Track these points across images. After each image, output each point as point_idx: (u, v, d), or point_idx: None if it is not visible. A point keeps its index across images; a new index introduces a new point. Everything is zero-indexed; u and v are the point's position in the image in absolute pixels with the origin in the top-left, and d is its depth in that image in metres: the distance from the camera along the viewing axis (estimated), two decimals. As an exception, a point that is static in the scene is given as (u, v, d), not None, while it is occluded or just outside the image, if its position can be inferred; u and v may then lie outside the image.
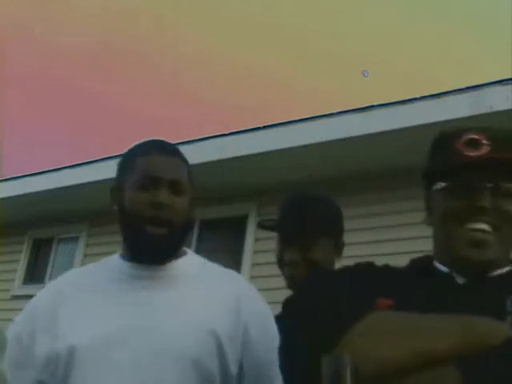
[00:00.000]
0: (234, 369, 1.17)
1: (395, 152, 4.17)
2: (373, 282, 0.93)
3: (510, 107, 3.72)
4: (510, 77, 3.88)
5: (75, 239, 6.60)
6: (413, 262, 1.04)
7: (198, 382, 1.13)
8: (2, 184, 6.48)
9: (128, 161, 1.29)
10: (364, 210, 4.33)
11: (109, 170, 6.10)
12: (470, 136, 0.97)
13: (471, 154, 0.95)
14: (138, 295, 1.20)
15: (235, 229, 5.43)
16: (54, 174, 6.13)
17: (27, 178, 6.39)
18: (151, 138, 1.34)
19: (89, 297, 1.22)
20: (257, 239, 5.13)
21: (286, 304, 0.94)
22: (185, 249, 1.34)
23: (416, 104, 4.12)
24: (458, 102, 3.93)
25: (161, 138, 1.35)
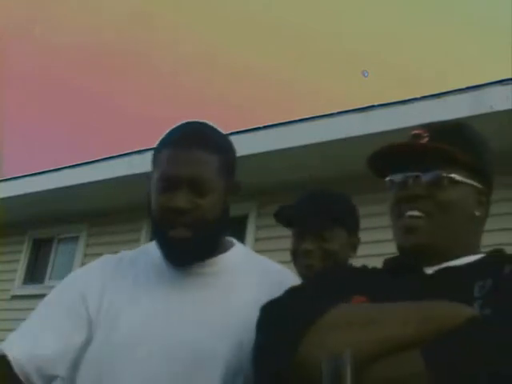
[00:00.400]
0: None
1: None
2: (348, 282, 0.96)
3: (510, 107, 3.72)
4: (510, 77, 3.88)
5: (75, 239, 6.59)
6: (386, 261, 1.07)
7: (204, 373, 1.07)
8: (2, 184, 6.49)
9: (156, 151, 1.19)
10: (364, 210, 4.32)
11: (109, 170, 6.10)
12: (414, 132, 1.02)
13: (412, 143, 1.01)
14: (172, 294, 1.15)
15: (235, 229, 5.43)
16: (54, 174, 6.13)
17: (27, 178, 6.39)
18: (186, 122, 1.22)
19: (132, 288, 1.17)
20: (257, 239, 5.13)
21: (267, 304, 0.96)
22: (232, 240, 1.28)
23: (416, 104, 4.12)
24: (458, 101, 3.93)
25: (196, 121, 1.23)
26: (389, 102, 4.29)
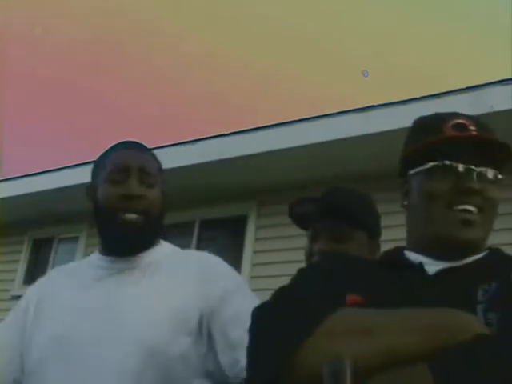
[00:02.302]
0: (204, 347, 1.17)
1: (395, 152, 4.15)
2: (343, 278, 0.92)
3: (510, 107, 3.72)
4: (510, 77, 3.88)
5: (75, 239, 6.59)
6: (384, 254, 1.04)
7: (156, 370, 1.12)
8: (2, 184, 6.48)
9: (99, 160, 1.33)
10: (364, 210, 4.33)
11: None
12: (457, 120, 0.98)
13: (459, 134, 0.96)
14: (105, 287, 1.22)
15: (235, 229, 5.43)
16: (54, 174, 6.13)
17: (27, 178, 6.39)
18: (124, 140, 1.38)
19: (64, 287, 1.27)
20: (257, 239, 5.12)
21: (258, 308, 0.92)
22: (160, 240, 1.35)
23: (416, 104, 4.12)
24: (458, 101, 3.92)
25: (133, 140, 1.39)
26: (389, 101, 4.28)
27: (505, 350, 0.71)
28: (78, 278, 1.28)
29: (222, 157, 4.86)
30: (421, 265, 0.94)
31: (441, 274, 0.91)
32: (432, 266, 0.93)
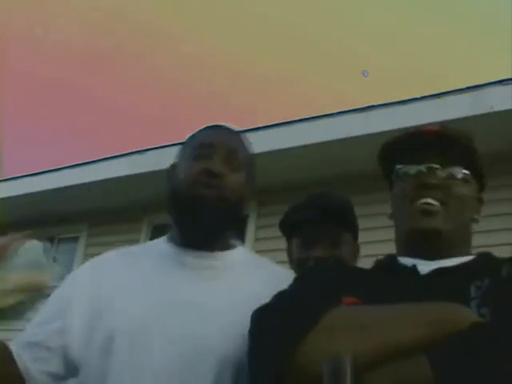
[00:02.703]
0: None
1: (395, 152, 4.16)
2: (338, 282, 0.95)
3: (510, 107, 3.72)
4: (510, 77, 3.88)
5: (75, 239, 6.59)
6: (377, 262, 1.06)
7: (220, 376, 1.05)
8: (2, 184, 6.48)
9: (187, 141, 1.24)
10: (364, 210, 4.33)
11: (109, 170, 6.09)
12: (424, 128, 1.06)
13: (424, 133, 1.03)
14: (181, 284, 1.13)
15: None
16: (54, 174, 6.13)
17: (27, 178, 6.39)
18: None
19: (133, 278, 1.15)
20: (257, 239, 5.12)
21: (258, 310, 0.94)
22: (235, 243, 1.27)
23: (416, 104, 4.12)
24: (458, 101, 3.93)
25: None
26: (389, 101, 4.28)
27: (500, 336, 0.73)
28: (145, 267, 1.17)
29: (222, 157, 4.86)
30: (414, 266, 0.96)
31: (433, 273, 0.94)
32: (425, 267, 0.96)
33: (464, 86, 4.01)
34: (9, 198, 6.28)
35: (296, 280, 1.03)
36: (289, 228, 1.59)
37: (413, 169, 1.02)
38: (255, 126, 4.90)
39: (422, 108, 4.05)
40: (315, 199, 1.57)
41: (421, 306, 0.80)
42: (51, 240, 6.87)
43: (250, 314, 1.02)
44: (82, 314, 1.12)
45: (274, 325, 0.86)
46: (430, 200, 0.98)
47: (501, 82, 3.87)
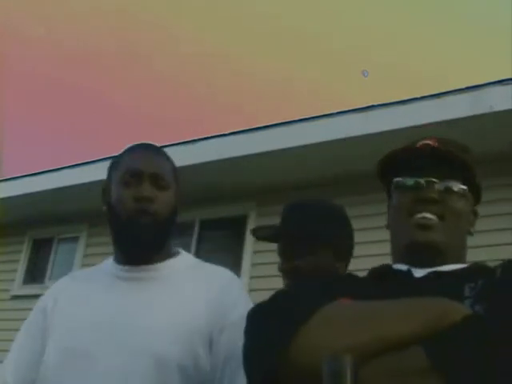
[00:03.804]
0: (205, 362, 1.18)
1: (395, 152, 4.16)
2: (333, 286, 0.96)
3: (510, 107, 3.72)
4: (510, 77, 3.88)
5: (75, 239, 6.60)
6: (372, 269, 1.07)
7: (163, 379, 1.14)
8: (2, 184, 6.48)
9: (115, 161, 1.36)
10: (364, 210, 4.34)
11: (109, 170, 5.93)
12: (424, 141, 1.07)
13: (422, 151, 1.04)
14: (120, 297, 1.24)
15: (235, 229, 5.43)
16: (54, 174, 6.13)
17: (27, 178, 6.39)
18: (139, 142, 1.40)
19: (77, 296, 1.28)
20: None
21: (254, 308, 0.95)
22: (179, 249, 1.36)
23: (416, 104, 4.12)
24: (458, 101, 3.93)
25: (149, 142, 1.41)
26: (389, 101, 4.28)
27: (492, 327, 0.75)
28: (93, 286, 1.30)
29: (222, 157, 4.86)
30: (409, 270, 0.98)
31: (428, 276, 0.96)
32: (419, 272, 0.97)
33: (464, 86, 4.01)
34: (9, 197, 6.28)
35: (291, 284, 1.06)
36: (264, 240, 1.66)
37: (411, 182, 1.03)
38: (255, 126, 4.91)
39: (421, 108, 4.05)
40: (290, 214, 1.60)
41: (416, 299, 0.82)
42: (51, 240, 6.88)
43: (186, 317, 1.17)
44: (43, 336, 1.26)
45: (269, 320, 0.87)
46: (427, 214, 0.99)
47: (501, 81, 3.87)
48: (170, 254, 1.32)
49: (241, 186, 5.11)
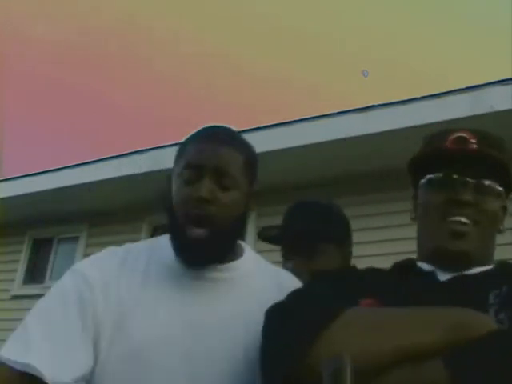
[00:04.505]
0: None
1: (395, 152, 4.16)
2: (356, 285, 0.94)
3: (510, 107, 3.72)
4: (510, 77, 3.88)
5: (75, 239, 6.60)
6: (396, 264, 1.05)
7: None
8: (2, 184, 6.48)
9: (180, 148, 1.19)
10: (364, 210, 4.33)
11: (109, 170, 6.09)
12: (459, 134, 0.99)
13: (457, 150, 0.98)
14: (191, 303, 1.11)
15: (235, 229, 5.42)
16: (54, 174, 6.13)
17: (27, 178, 6.39)
18: (211, 125, 1.21)
19: (142, 287, 1.10)
20: (257, 239, 5.12)
21: (272, 307, 0.93)
22: (243, 245, 1.25)
23: (416, 104, 4.12)
24: (458, 101, 3.93)
25: (221, 125, 1.22)
26: (389, 101, 4.28)
27: None
28: (155, 278, 1.12)
29: (222, 157, 4.85)
30: (433, 272, 0.95)
31: (452, 280, 0.93)
32: (443, 275, 0.95)
33: (464, 86, 4.01)
34: (9, 197, 6.28)
35: (311, 281, 1.03)
36: (269, 242, 1.67)
37: (445, 181, 0.97)
38: (255, 126, 4.91)
39: (421, 108, 4.05)
40: (285, 215, 1.63)
41: (439, 309, 0.80)
42: (51, 240, 6.88)
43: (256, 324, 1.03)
44: (108, 323, 1.06)
45: (287, 324, 0.85)
46: (462, 219, 0.94)
47: (501, 81, 3.87)
48: (235, 255, 1.19)
49: (241, 186, 5.11)
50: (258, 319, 0.99)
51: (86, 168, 5.86)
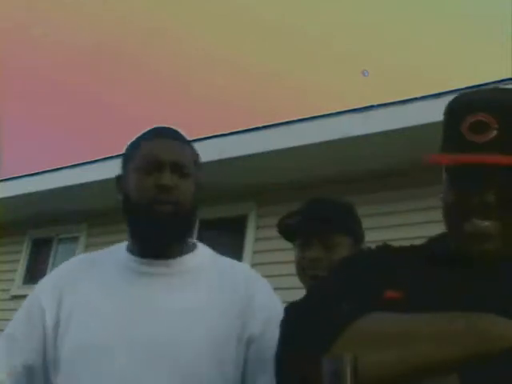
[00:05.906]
0: (232, 368, 1.15)
1: (395, 152, 4.17)
2: (385, 270, 0.88)
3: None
4: (510, 77, 3.88)
5: (75, 239, 6.60)
6: (430, 243, 0.97)
7: None
8: (2, 184, 6.49)
9: (132, 148, 1.27)
10: (364, 210, 4.33)
11: (109, 170, 6.09)
12: (477, 118, 0.87)
13: (476, 140, 0.86)
14: (142, 294, 1.18)
15: (235, 229, 5.43)
16: (54, 174, 6.13)
17: (27, 178, 6.39)
18: (158, 125, 1.32)
19: (94, 289, 1.21)
20: (257, 239, 5.12)
21: (290, 307, 0.90)
22: (195, 241, 1.31)
23: (416, 104, 4.12)
24: (458, 101, 3.92)
25: (165, 126, 1.33)
26: (389, 101, 4.28)
27: None
28: (105, 278, 1.22)
29: (222, 157, 4.86)
30: (469, 260, 0.87)
31: (485, 271, 0.85)
32: (477, 265, 0.87)
33: (464, 86, 4.01)
34: (9, 197, 6.29)
35: (335, 270, 0.97)
36: (284, 233, 1.66)
37: (467, 177, 0.87)
38: (255, 126, 4.91)
39: (422, 108, 4.05)
40: (309, 203, 1.65)
41: (455, 317, 0.72)
42: (51, 240, 6.88)
43: (205, 317, 1.11)
44: (50, 326, 1.20)
45: (301, 329, 0.82)
46: (484, 222, 0.87)
47: (501, 82, 3.87)
48: (188, 248, 1.26)
49: (241, 186, 5.11)
50: (206, 313, 1.14)
51: (86, 168, 5.86)
